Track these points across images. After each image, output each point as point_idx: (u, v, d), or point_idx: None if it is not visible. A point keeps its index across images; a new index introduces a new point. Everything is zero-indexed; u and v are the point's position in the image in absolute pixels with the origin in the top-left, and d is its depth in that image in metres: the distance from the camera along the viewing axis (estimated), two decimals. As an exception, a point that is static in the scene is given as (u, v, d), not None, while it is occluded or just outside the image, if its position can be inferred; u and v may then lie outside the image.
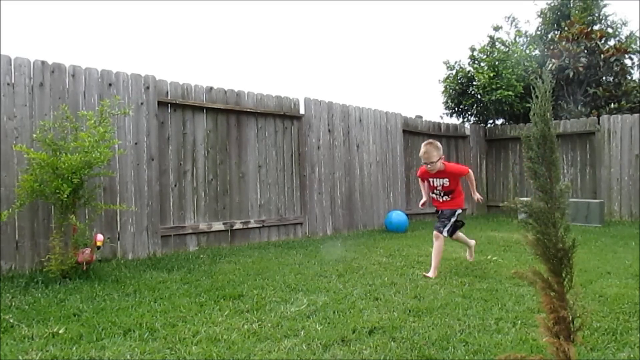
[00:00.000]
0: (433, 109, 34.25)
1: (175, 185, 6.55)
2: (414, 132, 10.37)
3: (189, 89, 6.72)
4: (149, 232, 6.15)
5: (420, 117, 10.76)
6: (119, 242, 5.90)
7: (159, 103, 6.37)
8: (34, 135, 5.05)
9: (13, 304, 3.88)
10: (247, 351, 2.85)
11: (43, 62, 5.43)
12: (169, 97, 6.50)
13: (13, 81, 5.22)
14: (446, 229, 4.98)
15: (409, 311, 3.63)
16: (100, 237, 4.79)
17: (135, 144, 6.07)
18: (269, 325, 3.33)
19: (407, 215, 8.98)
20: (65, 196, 4.62)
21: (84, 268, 4.78)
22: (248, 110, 7.34)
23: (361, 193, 8.97)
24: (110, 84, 5.91)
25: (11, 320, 3.41)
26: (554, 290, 1.97)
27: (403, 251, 6.30)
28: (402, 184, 9.83)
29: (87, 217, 5.45)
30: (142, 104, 6.16)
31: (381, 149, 9.44)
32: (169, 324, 3.36)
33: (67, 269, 4.71)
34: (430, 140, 5.09)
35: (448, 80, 13.27)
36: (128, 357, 2.78)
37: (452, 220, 5.03)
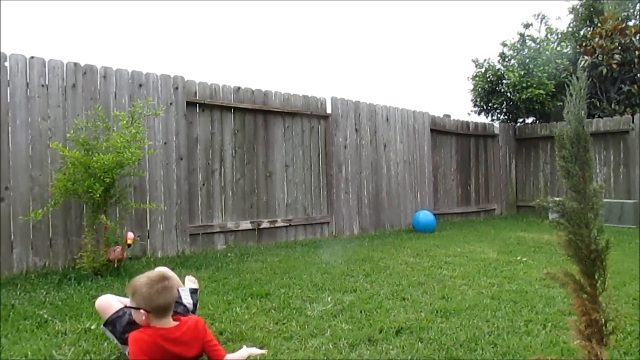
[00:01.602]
0: (461, 107, 33.84)
1: (204, 185, 6.62)
2: (441, 131, 10.27)
3: (216, 89, 6.79)
4: (177, 231, 6.23)
5: (448, 115, 10.66)
6: (148, 240, 5.99)
7: (188, 103, 6.45)
8: (68, 135, 5.17)
9: (47, 299, 3.98)
10: (274, 349, 2.86)
11: (75, 64, 5.55)
12: (197, 97, 6.58)
13: (47, 82, 5.34)
14: None
15: (437, 312, 3.60)
16: (130, 235, 4.88)
17: (165, 143, 6.16)
18: (295, 324, 3.34)
19: (434, 215, 8.91)
20: (98, 195, 4.72)
21: (115, 265, 4.87)
22: (275, 109, 7.38)
23: (388, 192, 8.93)
24: (140, 85, 6.01)
25: (45, 316, 3.50)
26: (586, 293, 1.93)
27: (430, 251, 6.25)
28: (429, 183, 9.76)
29: (118, 215, 5.55)
30: (171, 104, 6.25)
31: (408, 148, 9.38)
32: (197, 322, 3.39)
33: (99, 266, 4.81)
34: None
35: (477, 79, 13.10)
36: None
37: None
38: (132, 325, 2.61)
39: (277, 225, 7.32)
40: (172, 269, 5.11)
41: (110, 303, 2.75)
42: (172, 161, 6.22)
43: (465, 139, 10.86)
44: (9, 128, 5.09)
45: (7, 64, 5.11)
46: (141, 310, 2.53)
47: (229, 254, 6.10)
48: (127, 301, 2.67)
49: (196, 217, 6.53)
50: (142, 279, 2.58)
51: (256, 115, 7.23)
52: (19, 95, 5.16)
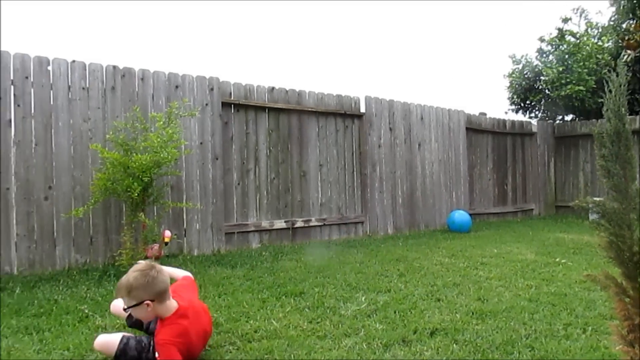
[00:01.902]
0: (498, 105, 33.25)
1: (239, 184, 6.70)
2: (477, 130, 10.12)
3: (251, 90, 6.85)
4: (213, 229, 6.32)
5: (484, 114, 10.49)
6: (185, 239, 6.10)
7: (223, 104, 6.53)
8: (107, 136, 5.31)
9: (88, 295, 4.10)
10: (308, 348, 2.88)
11: (114, 67, 5.69)
12: (232, 98, 6.66)
13: (87, 85, 5.50)
14: None
15: (472, 313, 3.55)
16: (167, 233, 4.97)
17: (201, 143, 6.26)
18: (329, 323, 3.34)
19: (470, 215, 8.78)
20: (136, 194, 4.83)
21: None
22: (309, 109, 7.40)
23: (423, 192, 8.85)
24: (176, 86, 6.12)
25: (86, 311, 3.60)
26: (628, 296, 1.88)
27: (466, 252, 6.16)
28: (465, 182, 9.62)
29: (155, 214, 5.67)
30: (206, 104, 6.34)
31: (443, 147, 9.27)
32: (232, 319, 3.44)
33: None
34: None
35: (514, 75, 12.86)
36: (194, 350, 2.87)
37: None
38: (141, 344, 2.62)
39: (311, 224, 7.35)
40: (208, 267, 5.21)
41: (108, 339, 2.69)
42: (207, 161, 6.31)
43: (501, 137, 10.66)
44: (52, 130, 5.26)
45: (50, 67, 5.28)
46: (145, 303, 2.52)
47: (264, 253, 6.15)
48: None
49: (231, 216, 6.61)
50: (133, 275, 2.55)
51: (290, 115, 7.27)
52: (61, 98, 5.33)
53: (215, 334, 3.14)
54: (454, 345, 2.93)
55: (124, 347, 2.61)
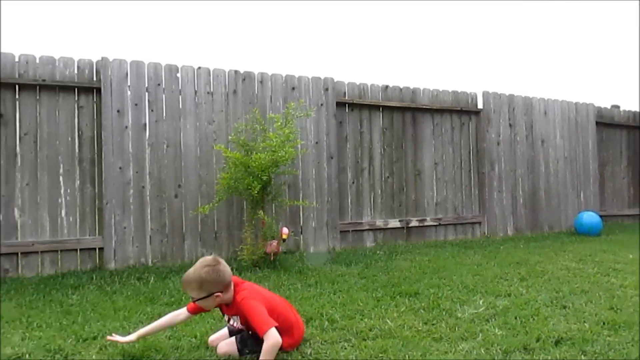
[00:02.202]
0: (633, 97, 30.33)
1: (353, 183, 6.76)
2: (609, 124, 9.33)
3: (365, 89, 6.88)
4: (328, 227, 6.44)
5: (617, 106, 9.64)
6: (301, 236, 6.28)
7: (337, 103, 6.63)
8: (229, 137, 5.62)
9: (213, 288, 4.36)
10: (423, 349, 2.83)
11: (236, 72, 6.01)
12: (346, 98, 6.73)
13: (212, 90, 5.86)
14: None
15: (603, 323, 3.29)
16: (285, 230, 5.15)
17: (316, 143, 6.40)
18: (445, 325, 3.27)
19: (600, 216, 8.11)
20: (256, 192, 5.07)
21: (272, 259, 5.18)
22: (423, 107, 7.28)
23: (546, 192, 8.34)
24: (293, 88, 6.31)
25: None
26: None
27: (596, 256, 5.71)
28: (594, 182, 8.91)
29: (274, 211, 5.90)
30: (321, 105, 6.47)
31: (569, 144, 8.66)
32: (347, 316, 3.48)
33: (257, 259, 5.16)
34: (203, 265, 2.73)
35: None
36: (309, 344, 2.95)
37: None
38: (252, 332, 2.71)
39: (426, 224, 7.23)
40: (323, 264, 5.32)
41: (227, 345, 2.78)
42: (323, 160, 6.45)
43: (638, 132, 9.72)
44: (181, 132, 5.67)
45: (179, 74, 5.70)
46: (214, 294, 2.64)
47: (378, 252, 6.16)
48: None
49: (346, 214, 6.69)
50: (201, 269, 2.64)
51: (404, 113, 7.20)
52: (188, 102, 5.73)
53: (330, 330, 3.20)
54: (582, 356, 2.73)
55: (241, 342, 2.76)
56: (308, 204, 6.13)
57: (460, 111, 7.63)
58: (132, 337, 2.75)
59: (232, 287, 2.75)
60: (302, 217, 6.32)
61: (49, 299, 4.07)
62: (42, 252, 5.07)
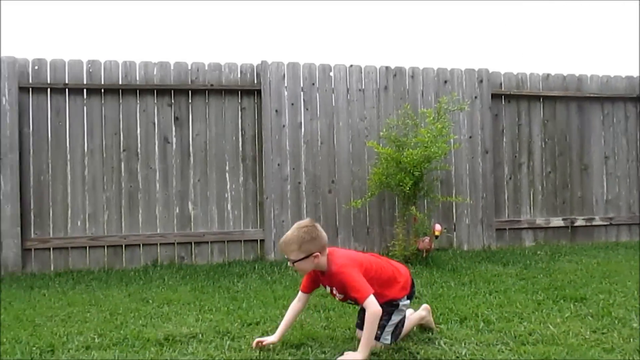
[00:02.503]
0: None
1: (510, 178, 6.42)
2: None
3: (523, 79, 6.48)
4: (483, 225, 6.19)
5: None
6: (454, 233, 6.12)
7: (493, 95, 6.33)
8: (381, 133, 5.68)
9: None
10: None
11: (387, 68, 6.03)
12: (502, 89, 6.41)
13: (363, 87, 5.95)
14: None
15: None
16: (438, 227, 5.06)
17: (470, 137, 6.18)
18: (617, 335, 2.96)
19: None
20: (408, 188, 5.05)
21: (424, 255, 5.13)
22: (591, 95, 6.65)
23: None
24: (445, 81, 6.16)
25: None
26: None
27: None
28: None
29: (426, 208, 5.83)
30: (475, 97, 6.23)
31: None
32: (504, 318, 3.32)
33: (409, 255, 5.15)
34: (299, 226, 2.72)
35: None
36: (464, 344, 2.86)
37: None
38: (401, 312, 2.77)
39: (594, 223, 6.60)
40: (478, 263, 5.14)
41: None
42: (477, 155, 6.21)
43: None
44: (334, 129, 5.85)
45: (331, 73, 5.88)
46: (313, 255, 2.62)
47: (538, 252, 5.77)
48: None
49: (502, 211, 6.37)
50: (302, 230, 2.64)
51: (568, 102, 6.64)
52: (341, 100, 5.89)
53: (486, 331, 3.08)
54: None
55: (386, 320, 2.75)
56: (462, 200, 5.95)
57: (637, 98, 6.83)
58: (274, 337, 2.79)
59: (327, 253, 2.76)
60: (455, 213, 6.16)
61: (218, 285, 4.46)
62: (211, 242, 5.59)
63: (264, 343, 2.74)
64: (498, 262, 5.21)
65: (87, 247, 5.34)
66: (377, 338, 2.71)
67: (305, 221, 2.77)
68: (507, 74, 6.44)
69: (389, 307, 2.75)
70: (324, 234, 2.74)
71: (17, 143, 5.19)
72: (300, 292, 2.89)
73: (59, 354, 2.79)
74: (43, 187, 5.31)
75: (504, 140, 6.43)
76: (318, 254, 2.68)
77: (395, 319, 2.77)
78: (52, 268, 5.26)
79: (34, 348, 2.89)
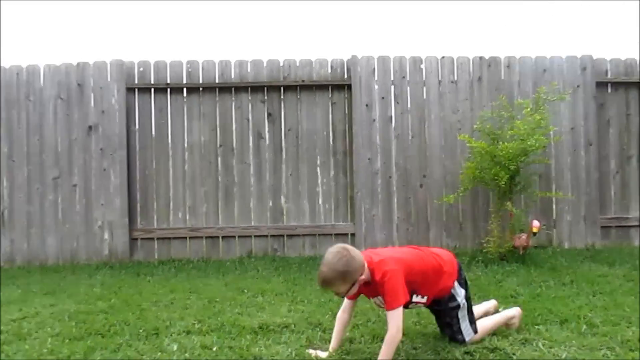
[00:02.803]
0: None
1: (617, 172, 5.98)
2: None
3: (632, 65, 6.00)
4: (586, 222, 5.82)
5: None
6: (554, 230, 5.81)
7: (597, 84, 5.92)
8: (474, 126, 5.48)
9: (458, 278, 4.33)
10: None
11: (480, 58, 5.82)
12: (608, 76, 5.97)
13: (456, 78, 5.79)
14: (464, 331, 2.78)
15: None
16: (536, 223, 4.83)
17: (571, 129, 5.83)
18: None
19: None
20: (503, 183, 4.85)
21: (521, 252, 4.92)
22: None
23: None
24: (544, 70, 5.85)
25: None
26: None
27: None
28: None
29: (523, 203, 5.58)
30: (577, 86, 5.86)
31: None
32: (610, 322, 3.11)
33: (504, 252, 4.95)
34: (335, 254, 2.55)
35: None
36: (564, 347, 2.72)
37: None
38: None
39: None
40: (580, 262, 4.85)
41: None
42: (579, 147, 5.84)
43: None
44: (426, 123, 5.75)
45: (422, 66, 5.79)
46: (358, 280, 2.53)
47: (650, 252, 5.34)
48: None
49: (608, 208, 5.96)
50: (340, 262, 2.48)
51: (686, 89, 6.07)
52: (432, 92, 5.77)
53: (589, 335, 2.90)
54: None
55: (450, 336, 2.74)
56: (562, 195, 5.62)
57: None
58: (327, 353, 2.69)
59: (367, 263, 2.63)
60: (555, 209, 5.84)
61: (309, 277, 4.55)
62: (303, 235, 5.70)
63: (318, 355, 2.65)
64: (603, 262, 4.89)
65: (187, 238, 5.65)
66: (462, 341, 2.71)
67: (336, 249, 2.58)
68: (614, 60, 5.99)
69: (451, 309, 2.73)
70: (357, 252, 2.59)
71: (125, 140, 5.59)
72: (345, 301, 2.78)
73: (163, 338, 2.98)
74: (148, 181, 5.68)
75: (610, 131, 6.00)
76: (361, 275, 2.57)
77: (461, 315, 2.74)
78: (156, 257, 5.61)
79: (141, 330, 3.11)
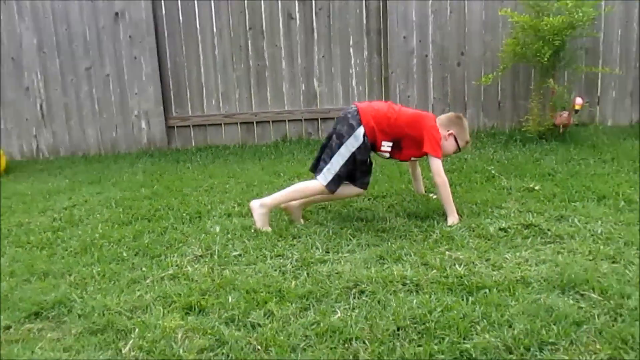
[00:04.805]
0: None
1: (672, 44, 5.58)
2: None
3: None
4: (632, 98, 5.56)
5: None
6: (598, 107, 5.58)
7: (659, -56, 5.35)
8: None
9: (494, 157, 4.30)
10: None
11: None
12: None
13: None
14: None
15: None
16: (579, 100, 4.64)
17: (627, -2, 5.38)
18: None
19: None
20: (546, 59, 4.60)
21: (561, 131, 4.79)
22: None
23: None
24: None
25: (493, 172, 3.80)
26: None
27: None
28: None
29: (566, 80, 5.33)
30: (637, -52, 5.32)
31: None
32: (652, 198, 3.07)
33: (544, 131, 4.83)
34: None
35: None
36: (600, 223, 2.71)
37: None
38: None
39: None
40: (623, 140, 4.71)
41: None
42: (633, 19, 5.42)
43: None
44: (465, -4, 5.38)
45: None
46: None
47: (698, 128, 5.12)
48: None
49: (658, 82, 5.64)
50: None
51: None
52: (474, -39, 5.33)
53: (627, 211, 2.88)
54: None
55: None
56: (609, 71, 5.30)
57: None
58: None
59: None
60: (600, 86, 5.57)
61: (344, 160, 4.58)
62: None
63: None
64: (644, 139, 4.74)
65: (222, 124, 5.69)
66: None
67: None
68: None
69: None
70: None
71: (153, 26, 5.46)
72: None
73: (205, 220, 3.11)
74: (179, 69, 5.62)
75: (668, -2, 5.52)
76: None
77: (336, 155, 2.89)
78: (193, 144, 5.71)
79: (184, 214, 3.24)
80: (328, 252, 2.52)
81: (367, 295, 2.07)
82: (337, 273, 2.27)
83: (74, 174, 4.72)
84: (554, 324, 1.76)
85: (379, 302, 2.00)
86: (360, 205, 3.21)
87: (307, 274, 2.29)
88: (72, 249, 2.78)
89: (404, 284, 2.14)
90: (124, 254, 2.64)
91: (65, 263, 2.58)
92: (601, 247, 2.40)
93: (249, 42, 5.59)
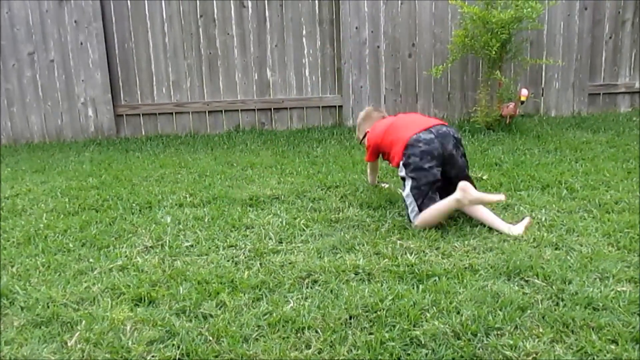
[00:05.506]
0: None
1: (610, 38, 5.83)
2: None
3: None
4: (574, 89, 5.79)
5: None
6: (542, 98, 5.79)
7: (600, -59, 5.56)
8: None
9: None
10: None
11: None
12: None
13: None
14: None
15: None
16: (524, 91, 4.80)
17: (569, -8, 5.58)
18: None
19: None
20: (494, 52, 4.73)
21: (507, 122, 4.94)
22: None
23: None
24: None
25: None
26: None
27: None
28: None
29: (512, 71, 5.50)
30: (579, -56, 5.51)
31: None
32: (589, 186, 3.22)
33: (491, 121, 4.97)
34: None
35: None
36: (544, 211, 2.83)
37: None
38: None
39: (703, 87, 6.00)
40: (566, 130, 4.90)
41: None
42: (574, 12, 5.63)
43: None
44: (416, -13, 5.44)
45: None
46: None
47: (634, 118, 5.39)
48: None
49: (598, 74, 5.90)
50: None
51: (692, -54, 5.74)
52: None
53: (569, 199, 3.02)
54: None
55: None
56: (553, 62, 5.51)
57: None
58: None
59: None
60: (544, 77, 5.77)
61: (298, 150, 4.58)
62: (290, 108, 5.64)
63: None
64: (588, 129, 4.95)
65: (174, 113, 5.58)
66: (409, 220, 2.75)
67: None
68: None
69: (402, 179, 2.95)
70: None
71: (100, 11, 5.27)
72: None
73: (156, 211, 3.05)
74: (127, 55, 5.46)
75: (609, -6, 5.76)
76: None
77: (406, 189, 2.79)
78: (143, 133, 5.58)
79: (134, 204, 3.17)
80: (281, 243, 2.53)
81: (320, 285, 2.09)
82: (290, 263, 2.28)
83: (17, 162, 4.54)
84: (500, 310, 1.83)
85: (331, 291, 2.03)
86: (313, 195, 3.23)
87: (260, 264, 2.29)
88: (15, 239, 2.68)
89: (357, 273, 2.17)
90: (70, 245, 2.57)
91: (7, 254, 2.49)
92: (545, 234, 2.51)
93: (200, 29, 5.48)
